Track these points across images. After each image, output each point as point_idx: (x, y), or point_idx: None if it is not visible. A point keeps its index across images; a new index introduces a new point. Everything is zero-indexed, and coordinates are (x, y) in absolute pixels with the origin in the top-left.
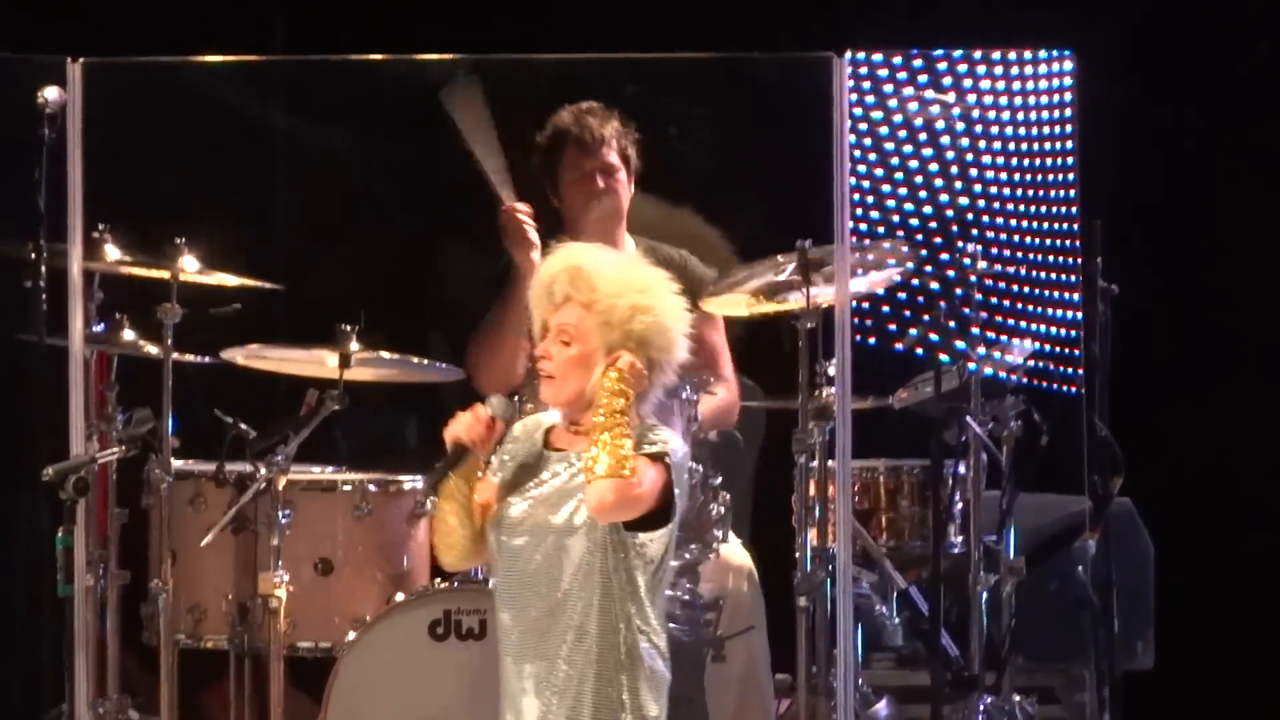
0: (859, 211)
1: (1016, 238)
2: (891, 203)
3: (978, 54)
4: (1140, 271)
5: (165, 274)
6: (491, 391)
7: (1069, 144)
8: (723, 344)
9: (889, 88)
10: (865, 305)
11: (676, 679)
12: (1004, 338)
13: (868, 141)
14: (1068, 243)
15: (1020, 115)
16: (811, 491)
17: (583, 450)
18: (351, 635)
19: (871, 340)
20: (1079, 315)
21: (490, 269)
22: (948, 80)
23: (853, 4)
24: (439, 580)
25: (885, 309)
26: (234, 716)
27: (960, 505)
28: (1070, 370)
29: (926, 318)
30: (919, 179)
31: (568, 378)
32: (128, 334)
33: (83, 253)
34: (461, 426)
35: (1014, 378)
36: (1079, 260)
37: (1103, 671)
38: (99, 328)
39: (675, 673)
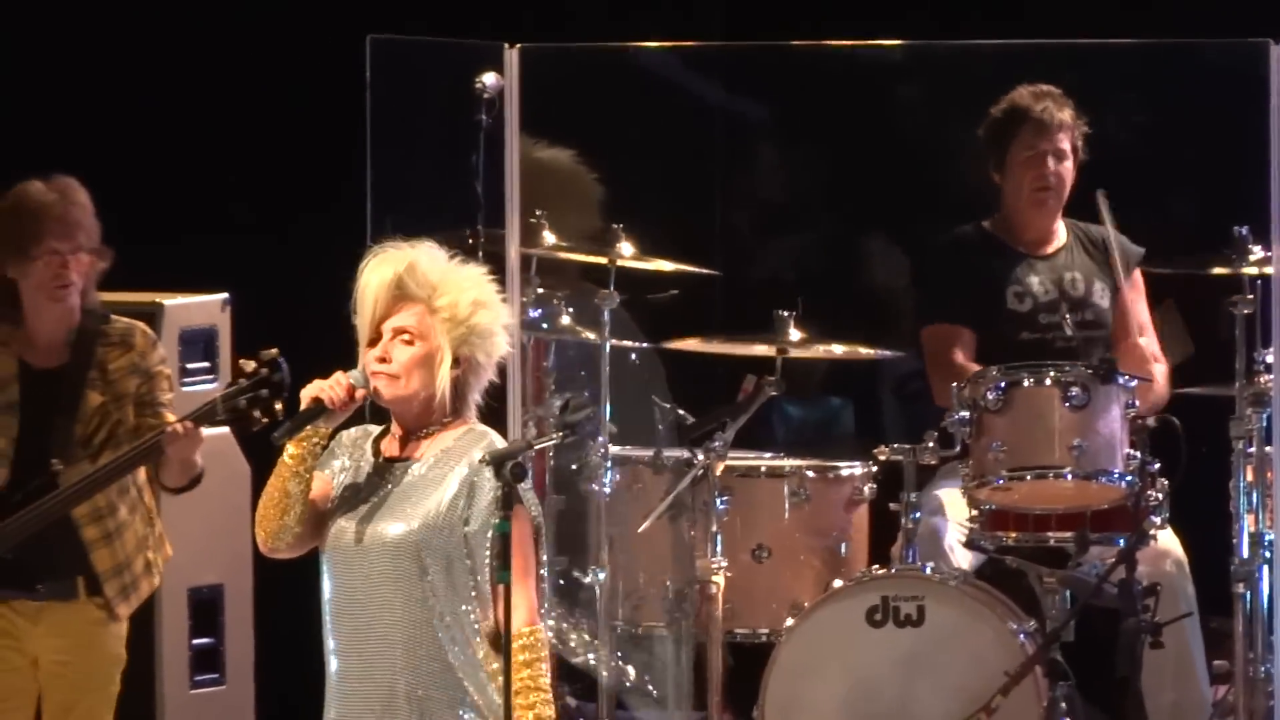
0: None
1: None
2: None
3: None
4: None
5: (603, 260)
6: (945, 400)
7: None
8: (1148, 320)
9: None
10: None
11: (1115, 664)
12: None
13: None
14: None
15: None
16: (1249, 478)
17: (424, 456)
18: (789, 621)
19: None
20: None
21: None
22: None
23: None
24: (876, 566)
25: None
26: (672, 701)
27: None
28: None
29: None
30: None
31: (411, 376)
32: (565, 319)
33: (520, 238)
34: (323, 387)
35: None
36: None
37: None
38: (536, 313)
39: (1115, 657)
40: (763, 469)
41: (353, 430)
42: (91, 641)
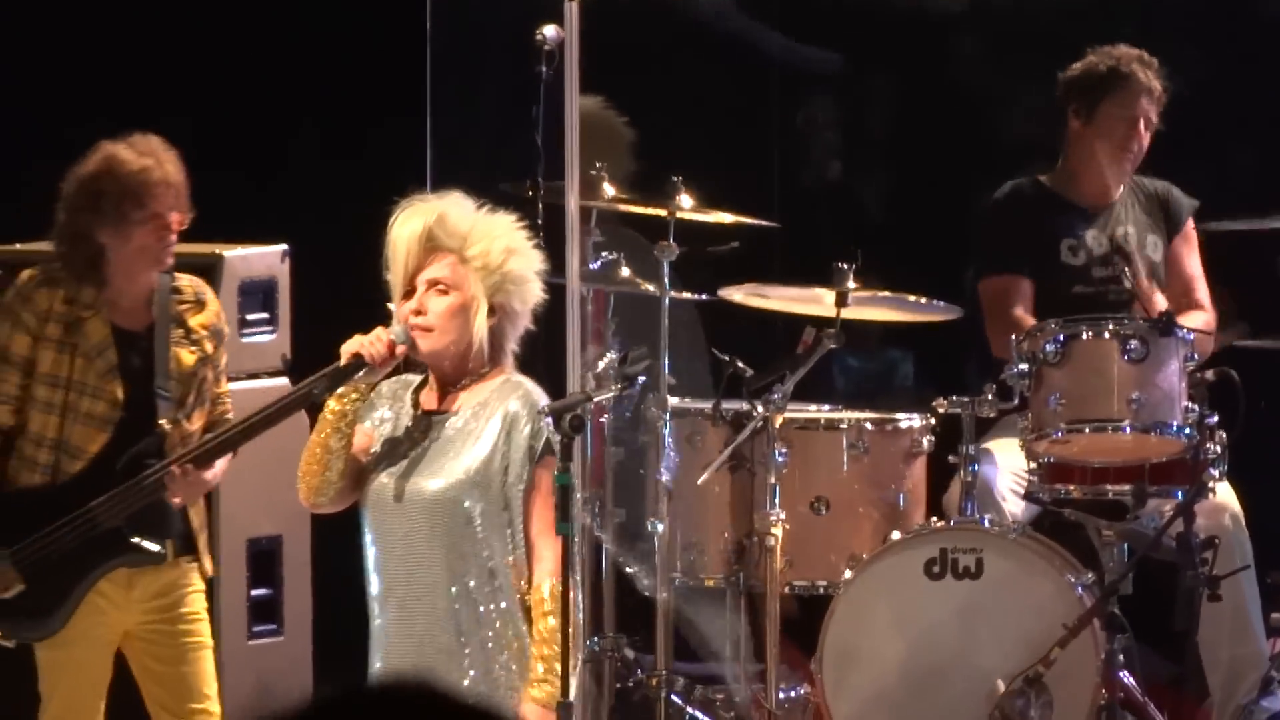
0: None
1: None
2: None
3: None
4: None
5: (662, 212)
6: (1004, 352)
7: None
8: (1199, 271)
9: None
10: None
11: (1173, 617)
12: None
13: None
14: None
15: None
16: None
17: (462, 408)
18: (847, 573)
19: None
20: None
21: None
22: None
23: None
24: (935, 519)
25: None
26: (730, 653)
27: None
28: None
29: None
30: None
31: (448, 328)
32: (624, 272)
33: (580, 190)
34: (363, 342)
35: None
36: None
37: None
38: (595, 265)
39: (1172, 610)
40: (821, 421)
41: (392, 381)
42: (186, 599)
